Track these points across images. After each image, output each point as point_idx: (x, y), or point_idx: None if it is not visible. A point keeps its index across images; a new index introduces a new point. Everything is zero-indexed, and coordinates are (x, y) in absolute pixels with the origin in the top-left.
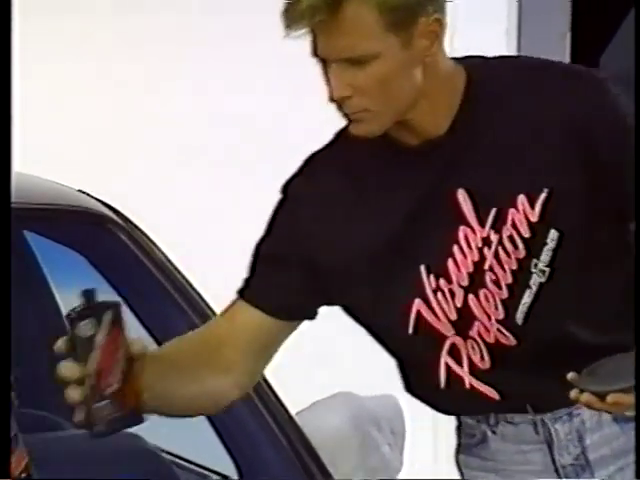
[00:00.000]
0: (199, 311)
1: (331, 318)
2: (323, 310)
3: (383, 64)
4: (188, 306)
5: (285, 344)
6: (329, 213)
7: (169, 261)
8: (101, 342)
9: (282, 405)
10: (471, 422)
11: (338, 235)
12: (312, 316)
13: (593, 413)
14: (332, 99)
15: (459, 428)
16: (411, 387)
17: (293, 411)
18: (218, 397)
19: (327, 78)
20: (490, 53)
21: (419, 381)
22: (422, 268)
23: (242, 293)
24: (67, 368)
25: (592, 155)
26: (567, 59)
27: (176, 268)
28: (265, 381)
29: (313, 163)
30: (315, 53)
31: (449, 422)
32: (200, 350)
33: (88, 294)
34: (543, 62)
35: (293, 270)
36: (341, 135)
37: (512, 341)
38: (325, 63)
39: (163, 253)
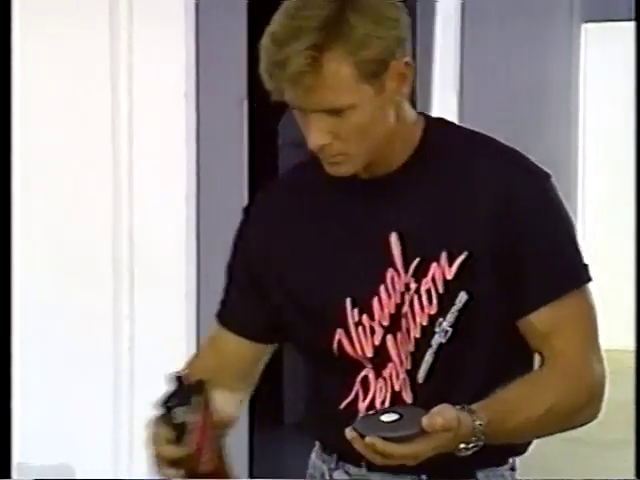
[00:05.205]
0: None
1: None
2: None
3: (360, 113)
4: None
5: None
6: (276, 238)
7: None
8: (196, 424)
9: None
10: (318, 462)
11: (283, 257)
12: (286, 338)
13: None
14: (311, 146)
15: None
16: (310, 407)
17: None
18: (231, 420)
19: (305, 126)
20: (169, 117)
21: (323, 398)
22: (348, 301)
23: (221, 318)
24: (168, 451)
25: (516, 240)
26: (245, 125)
27: None
28: None
29: (273, 186)
30: (290, 102)
31: None
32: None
33: (178, 379)
34: (497, 143)
35: (260, 295)
36: (305, 161)
37: (409, 399)
38: (302, 112)
39: None
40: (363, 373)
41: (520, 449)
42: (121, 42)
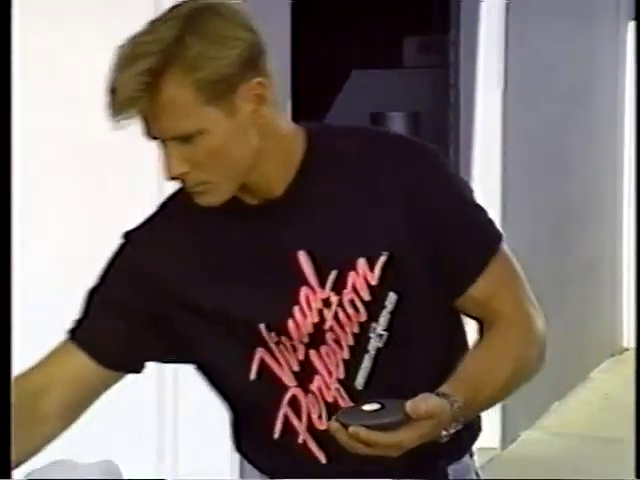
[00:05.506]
0: None
1: None
2: None
3: (211, 138)
4: None
5: None
6: (170, 265)
7: None
8: None
9: None
10: None
11: (178, 287)
12: (139, 369)
13: None
14: (166, 177)
15: None
16: (241, 444)
17: None
18: (30, 451)
19: (162, 156)
20: None
21: (253, 434)
22: (262, 326)
23: (78, 339)
24: None
25: (427, 226)
26: None
27: None
28: None
29: (159, 212)
30: (147, 133)
31: None
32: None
33: None
34: (383, 133)
35: (127, 320)
36: None
37: (349, 405)
38: (158, 141)
39: None
40: (289, 394)
41: (478, 435)
42: None
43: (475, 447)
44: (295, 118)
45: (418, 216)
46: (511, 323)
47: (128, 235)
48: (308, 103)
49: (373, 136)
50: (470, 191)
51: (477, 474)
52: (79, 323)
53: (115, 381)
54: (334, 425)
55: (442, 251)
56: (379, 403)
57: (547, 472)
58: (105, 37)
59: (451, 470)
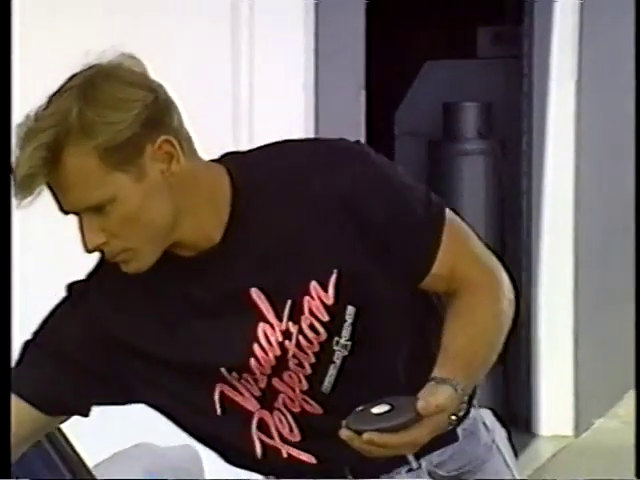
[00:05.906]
0: None
1: None
2: None
3: (122, 204)
4: None
5: None
6: (116, 316)
7: None
8: None
9: (78, 456)
10: None
11: (126, 339)
12: (85, 414)
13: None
14: (85, 250)
15: None
16: (230, 460)
17: (93, 462)
18: None
19: (79, 229)
20: (289, 108)
21: (236, 456)
22: (223, 370)
23: (14, 386)
24: None
25: (368, 226)
26: (362, 115)
27: None
28: (60, 431)
29: (104, 263)
30: (61, 209)
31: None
32: None
33: None
34: (303, 145)
35: (68, 369)
36: None
37: (318, 410)
38: (75, 215)
39: None
40: (256, 419)
41: (476, 391)
42: (242, 36)
43: (547, 430)
44: (369, 109)
45: (360, 223)
46: (479, 283)
47: (71, 287)
48: (382, 94)
49: (294, 152)
50: (401, 174)
51: (485, 425)
52: (16, 370)
53: (58, 423)
54: (347, 433)
55: (393, 248)
56: (387, 403)
57: (621, 461)
58: (106, 37)
59: (460, 430)
